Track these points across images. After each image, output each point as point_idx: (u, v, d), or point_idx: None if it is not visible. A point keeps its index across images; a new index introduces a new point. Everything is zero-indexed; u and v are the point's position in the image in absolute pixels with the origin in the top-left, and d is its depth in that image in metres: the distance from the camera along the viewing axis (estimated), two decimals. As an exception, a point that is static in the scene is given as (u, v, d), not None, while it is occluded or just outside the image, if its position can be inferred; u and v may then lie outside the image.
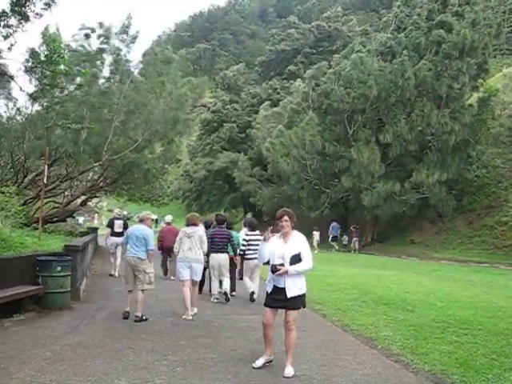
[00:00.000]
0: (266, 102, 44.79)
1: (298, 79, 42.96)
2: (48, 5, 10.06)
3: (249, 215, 16.19)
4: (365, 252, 26.38)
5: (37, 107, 18.73)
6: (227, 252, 9.68)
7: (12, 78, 12.76)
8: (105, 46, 19.12)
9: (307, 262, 5.18)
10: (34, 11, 10.04)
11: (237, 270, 10.62)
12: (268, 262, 5.34)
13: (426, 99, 26.47)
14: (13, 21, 10.16)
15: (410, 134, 25.93)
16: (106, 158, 18.68)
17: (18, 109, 19.64)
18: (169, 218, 13.85)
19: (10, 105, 19.42)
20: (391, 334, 6.69)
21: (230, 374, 5.03)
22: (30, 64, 11.78)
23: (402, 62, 26.26)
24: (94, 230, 21.91)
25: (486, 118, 27.38)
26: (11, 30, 10.22)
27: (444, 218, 26.23)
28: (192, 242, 8.16)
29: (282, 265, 5.12)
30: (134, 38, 19.62)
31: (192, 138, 47.58)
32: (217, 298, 9.46)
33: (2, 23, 10.06)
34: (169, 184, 40.22)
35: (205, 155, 45.42)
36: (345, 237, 28.37)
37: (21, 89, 15.94)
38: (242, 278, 10.31)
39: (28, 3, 9.92)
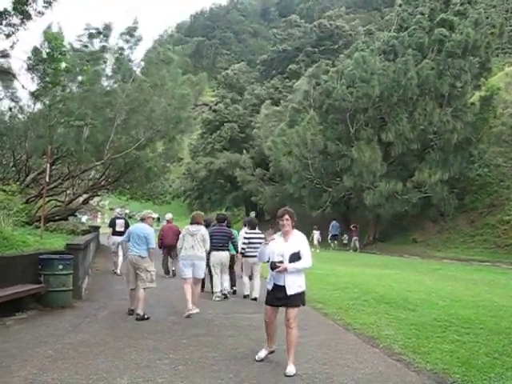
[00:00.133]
0: (268, 101, 44.79)
1: (302, 78, 42.89)
2: (49, 3, 10.07)
3: (252, 214, 16.21)
4: (366, 251, 26.35)
5: (39, 106, 18.77)
6: (228, 250, 9.75)
7: (14, 76, 12.79)
8: (108, 44, 19.18)
9: (306, 261, 5.25)
10: (35, 9, 10.06)
11: (237, 267, 10.65)
12: (268, 261, 5.40)
13: (429, 98, 26.42)
14: (15, 20, 10.19)
15: (412, 132, 25.88)
16: (108, 156, 18.71)
17: (20, 107, 19.67)
18: (169, 215, 13.92)
19: (13, 104, 19.46)
20: (393, 333, 6.68)
21: (232, 373, 5.03)
22: (31, 62, 11.80)
23: (405, 61, 26.20)
24: (96, 228, 21.96)
25: (488, 117, 27.31)
26: (13, 29, 10.24)
27: (446, 216, 26.19)
28: (195, 241, 8.23)
29: (282, 262, 5.19)
30: (139, 39, 19.74)
31: (193, 136, 47.67)
32: (218, 297, 9.47)
33: (4, 22, 10.08)
34: (170, 183, 40.30)
35: (206, 154, 45.47)
36: (345, 236, 28.35)
37: (23, 86, 15.97)
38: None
39: (30, 1, 9.94)
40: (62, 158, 19.69)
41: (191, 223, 8.44)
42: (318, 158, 28.91)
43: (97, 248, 18.45)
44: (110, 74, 20.20)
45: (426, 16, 29.48)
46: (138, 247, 7.81)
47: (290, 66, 63.51)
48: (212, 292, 9.75)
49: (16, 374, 4.79)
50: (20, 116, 20.19)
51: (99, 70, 19.06)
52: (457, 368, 5.23)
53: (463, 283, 12.46)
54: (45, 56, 11.85)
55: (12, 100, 19.01)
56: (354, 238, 26.99)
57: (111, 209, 36.59)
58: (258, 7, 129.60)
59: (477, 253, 22.25)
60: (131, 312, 7.79)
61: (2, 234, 9.20)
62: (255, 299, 9.42)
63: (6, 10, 9.97)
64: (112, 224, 13.26)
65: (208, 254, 8.96)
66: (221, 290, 9.59)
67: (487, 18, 28.23)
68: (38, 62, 11.78)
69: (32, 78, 12.44)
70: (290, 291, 5.18)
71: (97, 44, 19.10)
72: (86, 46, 19.04)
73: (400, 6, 34.48)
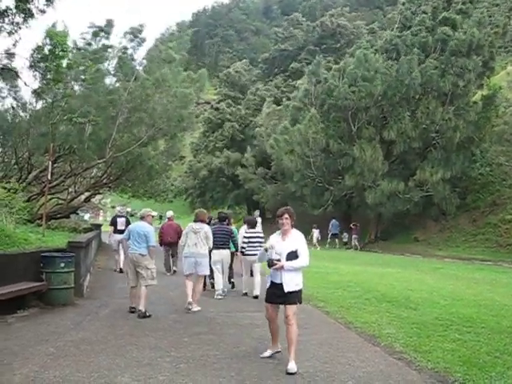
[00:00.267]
0: (269, 99, 44.72)
1: (304, 76, 42.79)
2: (50, 0, 10.08)
3: (256, 213, 16.22)
4: (368, 250, 26.35)
5: (41, 104, 18.80)
6: (229, 248, 9.80)
7: (17, 74, 12.80)
8: (110, 43, 19.23)
9: (304, 259, 5.34)
10: (37, 7, 10.08)
11: (236, 266, 10.70)
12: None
13: (431, 97, 26.33)
14: (18, 18, 10.20)
15: (414, 131, 25.81)
16: (110, 154, 18.73)
17: (22, 105, 19.68)
18: (170, 213, 13.97)
19: (15, 102, 19.50)
20: (394, 332, 6.68)
21: (234, 371, 5.03)
22: (34, 59, 11.82)
23: (409, 60, 26.11)
24: (98, 226, 21.98)
25: (491, 116, 27.21)
26: (16, 27, 10.26)
27: (448, 215, 26.14)
28: (198, 238, 8.31)
29: (279, 260, 5.28)
30: (143, 40, 19.81)
31: (195, 134, 47.65)
32: (220, 295, 9.48)
33: (7, 20, 10.10)
34: (172, 181, 40.35)
35: (208, 152, 45.47)
36: (345, 234, 28.34)
37: (25, 84, 15.99)
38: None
39: (32, -1, 9.97)
40: (64, 155, 19.72)
41: (195, 221, 8.49)
42: (319, 157, 28.85)
43: (98, 246, 18.47)
44: (112, 72, 20.24)
45: (429, 15, 29.38)
46: (138, 245, 7.86)
47: (292, 65, 63.39)
48: (212, 286, 9.81)
49: (17, 372, 4.80)
50: (22, 114, 20.23)
51: (102, 68, 19.08)
52: (458, 367, 5.22)
53: (465, 282, 12.45)
54: (47, 53, 11.87)
55: (15, 99, 19.06)
56: (354, 236, 26.99)
57: (113, 207, 36.69)
58: (261, 5, 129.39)
59: (478, 252, 22.22)
60: (132, 310, 7.80)
61: (4, 231, 9.21)
62: (256, 297, 9.44)
63: (8, 8, 9.99)
64: (113, 222, 13.31)
65: (209, 252, 9.00)
66: (222, 288, 9.61)
67: (490, 16, 28.09)
68: (40, 60, 11.80)
69: (34, 76, 12.48)
70: (287, 288, 5.25)
71: (99, 42, 19.15)
72: (89, 44, 19.07)
73: (403, 4, 34.34)
